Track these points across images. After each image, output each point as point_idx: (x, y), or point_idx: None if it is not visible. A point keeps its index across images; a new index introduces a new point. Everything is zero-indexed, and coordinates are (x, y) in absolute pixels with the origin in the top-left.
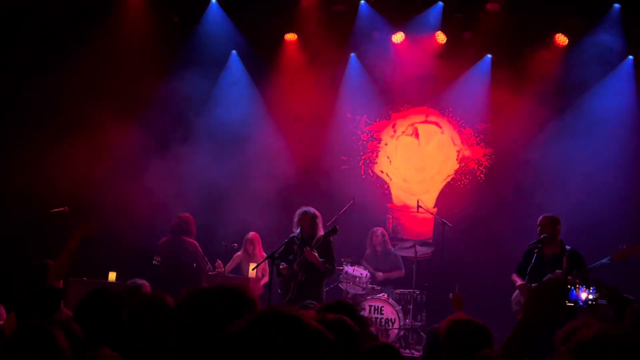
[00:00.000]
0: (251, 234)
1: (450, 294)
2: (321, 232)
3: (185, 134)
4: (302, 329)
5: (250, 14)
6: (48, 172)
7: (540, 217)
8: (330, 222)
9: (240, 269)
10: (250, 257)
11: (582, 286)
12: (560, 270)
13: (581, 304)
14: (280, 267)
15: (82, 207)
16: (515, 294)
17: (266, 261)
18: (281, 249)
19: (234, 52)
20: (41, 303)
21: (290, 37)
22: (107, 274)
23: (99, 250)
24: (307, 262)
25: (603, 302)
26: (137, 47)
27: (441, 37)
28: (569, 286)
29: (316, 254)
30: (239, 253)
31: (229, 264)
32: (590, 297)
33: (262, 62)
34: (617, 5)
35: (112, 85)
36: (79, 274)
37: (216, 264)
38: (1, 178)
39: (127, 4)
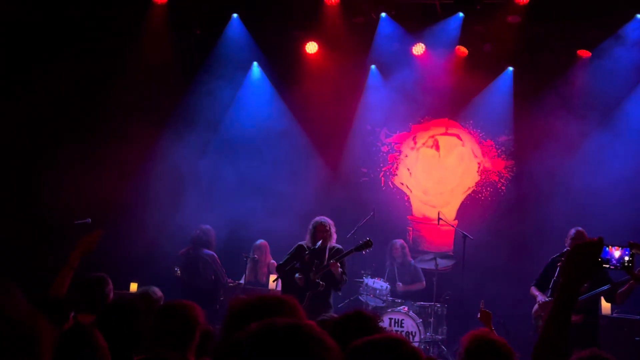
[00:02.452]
0: (260, 241)
1: (479, 313)
2: (334, 242)
3: (207, 146)
4: (306, 339)
5: (271, 26)
6: (74, 185)
7: (573, 231)
8: (350, 235)
9: (248, 278)
10: (259, 265)
11: (614, 246)
12: (586, 285)
13: (615, 262)
14: (297, 276)
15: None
16: (535, 307)
17: (274, 270)
18: (292, 259)
19: (255, 63)
20: (48, 314)
21: (311, 49)
22: (129, 284)
23: (120, 261)
24: (326, 272)
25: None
26: (160, 61)
27: (462, 50)
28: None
29: (338, 264)
30: (248, 265)
31: (246, 275)
32: (626, 257)
33: (283, 74)
34: (639, 16)
35: (135, 99)
36: None
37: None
38: (29, 189)
39: (151, 18)
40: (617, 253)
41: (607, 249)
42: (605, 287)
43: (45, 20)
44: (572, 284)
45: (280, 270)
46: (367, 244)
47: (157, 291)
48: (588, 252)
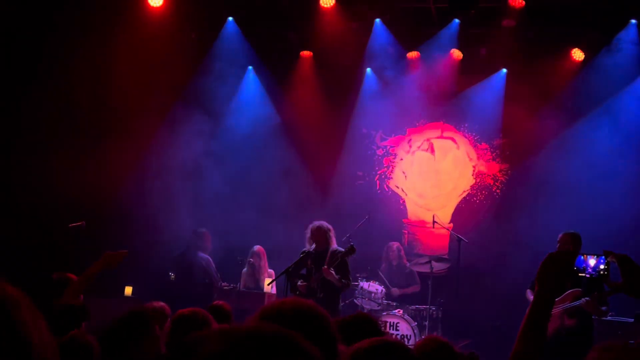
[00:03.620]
0: (257, 247)
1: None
2: (334, 246)
3: (200, 150)
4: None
5: (267, 30)
6: (67, 185)
7: (560, 235)
8: (345, 238)
9: (246, 283)
10: (256, 271)
11: (589, 255)
12: (579, 289)
13: (590, 271)
14: (299, 283)
15: (101, 220)
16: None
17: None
18: (296, 264)
19: (250, 67)
20: (62, 320)
21: (306, 53)
22: (124, 287)
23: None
24: (324, 279)
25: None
26: (155, 64)
27: (457, 53)
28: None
29: (333, 272)
30: (244, 270)
31: (242, 280)
32: (601, 266)
33: (278, 77)
34: (633, 21)
35: (128, 102)
36: (96, 288)
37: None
38: (21, 189)
39: (146, 21)
40: (592, 262)
41: (582, 257)
42: (581, 301)
43: (41, 18)
44: (546, 293)
45: (288, 275)
46: (351, 250)
47: (166, 308)
48: (560, 261)
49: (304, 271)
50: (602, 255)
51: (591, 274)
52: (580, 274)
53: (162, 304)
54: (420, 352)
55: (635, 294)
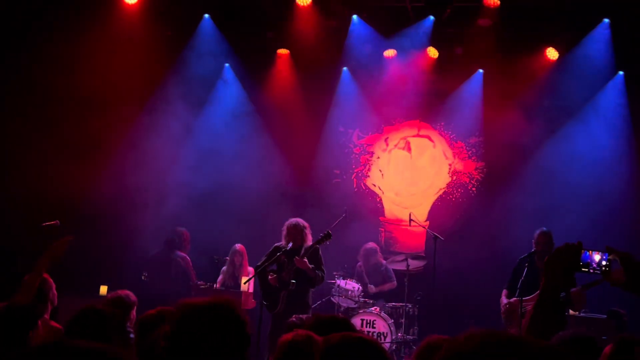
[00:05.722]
0: (238, 245)
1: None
2: (309, 243)
3: (177, 148)
4: None
5: (243, 28)
6: (41, 183)
7: (538, 232)
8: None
9: (224, 282)
10: (236, 269)
11: (594, 251)
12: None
13: (595, 266)
14: (270, 277)
15: (75, 218)
16: (504, 310)
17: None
18: (268, 260)
19: (227, 65)
20: (15, 320)
21: (283, 51)
22: (99, 287)
23: (91, 262)
24: (297, 270)
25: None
26: (130, 61)
27: (433, 52)
28: (582, 250)
29: (306, 261)
30: (224, 268)
31: (220, 278)
32: (604, 262)
33: (255, 75)
34: (606, 20)
35: (104, 99)
36: (71, 287)
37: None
38: None
39: (121, 18)
40: (597, 257)
41: (587, 253)
42: (573, 290)
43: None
44: (552, 287)
45: (256, 272)
46: (327, 236)
47: (131, 295)
48: (569, 255)
49: (274, 267)
50: (605, 252)
51: (595, 269)
52: (583, 269)
53: (126, 292)
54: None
55: (636, 291)
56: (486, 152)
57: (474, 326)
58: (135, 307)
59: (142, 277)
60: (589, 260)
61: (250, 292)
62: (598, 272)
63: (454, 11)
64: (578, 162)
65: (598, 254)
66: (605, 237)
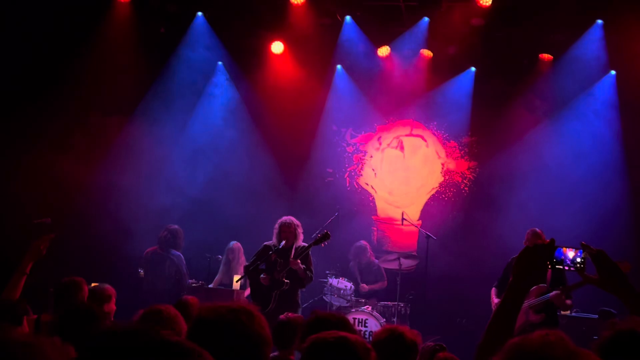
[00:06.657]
0: (233, 243)
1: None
2: (300, 242)
3: (170, 146)
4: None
5: (237, 26)
6: (33, 180)
7: (528, 232)
8: (314, 235)
9: (221, 281)
10: (231, 267)
11: (569, 248)
12: (545, 285)
13: (569, 263)
14: (262, 277)
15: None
16: (494, 308)
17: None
18: (259, 259)
19: (220, 63)
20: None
21: (277, 49)
22: (90, 284)
23: (83, 260)
24: (289, 270)
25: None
26: (123, 59)
27: (427, 52)
28: (556, 246)
29: (299, 262)
30: (221, 267)
31: (217, 277)
32: (578, 259)
33: (248, 73)
34: (599, 21)
35: (97, 95)
36: None
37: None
38: None
39: (114, 15)
40: (571, 254)
41: (561, 250)
42: (553, 293)
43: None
44: (520, 285)
45: (246, 271)
46: (325, 236)
47: (109, 288)
48: (539, 253)
49: (263, 265)
50: (580, 249)
51: (569, 266)
52: (557, 266)
53: (106, 285)
54: (375, 341)
55: (608, 288)
56: (479, 152)
57: (465, 325)
58: (112, 300)
59: (139, 273)
60: (563, 257)
61: (243, 290)
62: (572, 268)
63: (446, 10)
64: (570, 161)
65: (572, 250)
66: (596, 236)
